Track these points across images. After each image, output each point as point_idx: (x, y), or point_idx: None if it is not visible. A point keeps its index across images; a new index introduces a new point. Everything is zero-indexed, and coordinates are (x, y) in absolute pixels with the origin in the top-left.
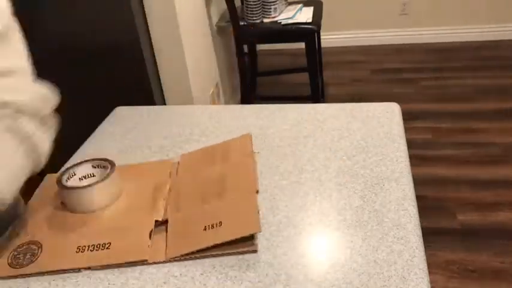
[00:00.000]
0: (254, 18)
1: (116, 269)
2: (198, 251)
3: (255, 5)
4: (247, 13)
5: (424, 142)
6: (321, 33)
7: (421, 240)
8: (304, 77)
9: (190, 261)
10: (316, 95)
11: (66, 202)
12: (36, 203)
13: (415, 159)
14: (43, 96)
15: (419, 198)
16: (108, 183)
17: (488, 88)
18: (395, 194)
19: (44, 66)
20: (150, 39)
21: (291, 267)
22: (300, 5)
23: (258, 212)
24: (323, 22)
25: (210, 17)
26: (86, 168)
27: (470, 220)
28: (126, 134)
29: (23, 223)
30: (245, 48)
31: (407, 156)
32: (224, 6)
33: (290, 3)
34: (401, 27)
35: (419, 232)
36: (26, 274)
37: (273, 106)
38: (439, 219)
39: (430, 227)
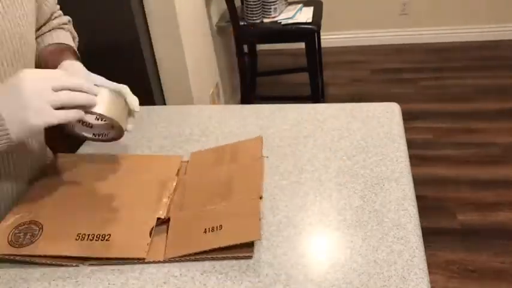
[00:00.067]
0: (254, 18)
1: (116, 269)
2: (196, 254)
3: (255, 5)
4: (247, 13)
5: (424, 142)
6: (321, 33)
7: (421, 240)
8: (304, 77)
9: (191, 262)
10: (316, 95)
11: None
12: (44, 181)
13: (415, 159)
14: None
15: (419, 198)
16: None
17: (488, 88)
18: (395, 194)
19: None
20: (150, 39)
21: (291, 267)
22: (300, 5)
23: (260, 220)
24: (323, 22)
25: (210, 17)
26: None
27: (471, 220)
28: (126, 134)
29: (28, 200)
30: (245, 48)
31: (407, 156)
32: (224, 6)
33: (290, 3)
34: (401, 27)
35: (419, 232)
36: (24, 255)
37: (273, 106)
38: (439, 219)
39: (430, 227)
